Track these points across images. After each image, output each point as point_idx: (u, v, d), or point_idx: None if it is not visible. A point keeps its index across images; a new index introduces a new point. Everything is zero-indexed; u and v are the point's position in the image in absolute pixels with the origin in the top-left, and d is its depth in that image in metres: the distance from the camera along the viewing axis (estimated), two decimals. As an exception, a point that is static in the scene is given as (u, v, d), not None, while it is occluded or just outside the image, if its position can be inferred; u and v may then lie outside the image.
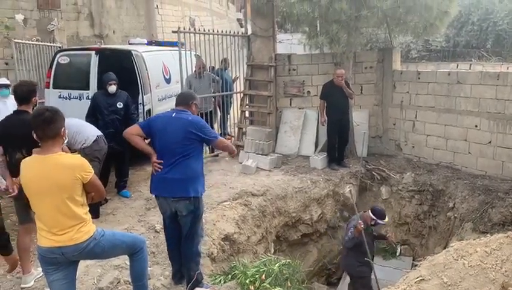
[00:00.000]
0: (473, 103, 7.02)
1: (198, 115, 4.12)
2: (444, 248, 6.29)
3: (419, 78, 7.77)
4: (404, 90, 7.99)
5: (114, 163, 6.13)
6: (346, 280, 6.23)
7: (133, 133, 3.85)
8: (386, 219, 5.65)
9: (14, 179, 3.78)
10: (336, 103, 7.37)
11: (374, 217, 5.50)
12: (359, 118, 8.23)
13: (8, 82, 6.26)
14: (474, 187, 6.63)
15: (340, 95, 7.30)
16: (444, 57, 13.54)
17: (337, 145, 7.62)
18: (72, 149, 4.72)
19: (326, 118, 7.50)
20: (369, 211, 5.63)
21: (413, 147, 7.97)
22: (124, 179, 6.29)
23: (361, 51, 8.39)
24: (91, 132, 5.33)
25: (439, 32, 8.88)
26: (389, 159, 8.10)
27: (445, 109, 7.40)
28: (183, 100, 3.92)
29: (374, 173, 7.70)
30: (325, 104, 7.51)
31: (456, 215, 6.58)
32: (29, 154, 3.64)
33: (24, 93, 3.92)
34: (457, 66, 11.12)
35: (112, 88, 5.93)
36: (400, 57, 8.88)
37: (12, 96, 6.43)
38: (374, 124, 8.43)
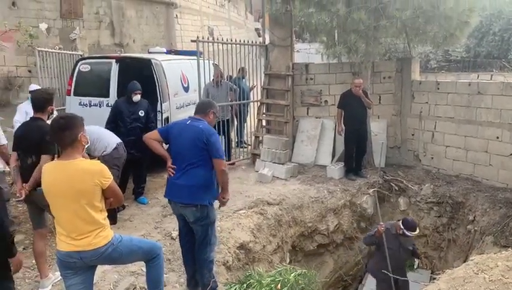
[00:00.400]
0: (494, 114, 6.89)
1: (215, 123, 4.15)
2: (464, 261, 6.16)
3: (438, 89, 7.68)
4: (423, 100, 7.91)
5: (132, 170, 6.19)
6: (366, 284, 6.19)
7: (152, 137, 3.99)
8: (415, 232, 5.57)
9: (24, 184, 3.87)
10: (354, 112, 7.32)
11: (402, 227, 5.48)
12: (377, 128, 8.17)
13: (39, 88, 6.49)
14: (495, 200, 6.49)
15: (358, 104, 7.25)
16: (464, 68, 13.39)
17: (354, 155, 7.56)
18: (91, 156, 4.79)
19: (344, 127, 7.46)
20: (401, 220, 5.66)
21: (432, 158, 7.86)
22: (142, 185, 6.36)
23: (379, 60, 8.35)
24: (111, 139, 5.41)
25: (459, 42, 8.80)
26: (407, 170, 8.00)
27: (465, 119, 7.29)
28: (201, 109, 3.97)
29: (392, 183, 7.61)
30: (343, 114, 7.47)
31: (476, 228, 6.44)
32: (39, 160, 3.74)
33: (40, 101, 4.02)
34: (478, 76, 10.97)
35: (137, 97, 6.04)
36: (419, 67, 8.80)
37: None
38: (392, 134, 8.35)
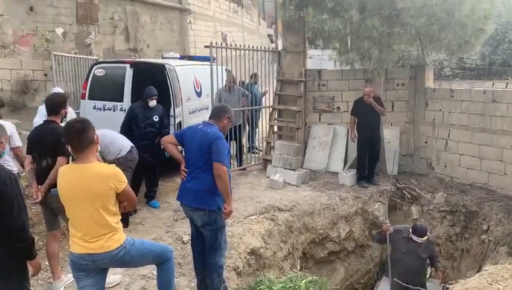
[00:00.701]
0: (510, 123, 6.80)
1: (228, 128, 4.14)
2: (477, 271, 6.06)
3: (452, 96, 7.61)
4: (436, 108, 7.84)
5: (145, 174, 6.23)
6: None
7: (168, 141, 4.06)
8: (423, 238, 5.50)
9: (39, 186, 3.92)
10: (366, 119, 7.28)
11: (410, 231, 5.48)
12: (390, 135, 8.12)
13: (62, 91, 6.58)
14: (510, 210, 6.39)
15: (371, 112, 7.21)
16: (478, 75, 13.26)
17: (367, 162, 7.52)
18: (105, 160, 4.84)
19: (357, 134, 7.43)
20: (412, 224, 5.70)
21: (446, 166, 7.77)
22: (154, 189, 6.40)
23: (392, 67, 8.31)
24: (125, 143, 5.47)
25: (474, 50, 8.73)
26: (420, 178, 7.93)
27: (479, 128, 7.21)
28: (215, 113, 3.98)
29: (404, 191, 7.54)
30: (356, 121, 7.44)
31: (490, 238, 6.34)
32: (54, 162, 3.78)
33: (54, 105, 4.07)
34: (493, 84, 10.85)
35: (153, 103, 6.09)
36: (433, 74, 8.74)
37: (71, 110, 6.85)
38: (405, 142, 8.28)
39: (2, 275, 2.84)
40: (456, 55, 10.41)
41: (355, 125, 7.45)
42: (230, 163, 6.01)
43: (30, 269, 3.03)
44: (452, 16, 6.90)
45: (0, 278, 2.85)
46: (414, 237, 5.45)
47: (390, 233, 5.60)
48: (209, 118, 4.00)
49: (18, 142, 4.72)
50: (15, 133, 4.71)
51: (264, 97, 9.47)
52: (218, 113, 3.96)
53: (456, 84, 10.58)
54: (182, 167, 3.90)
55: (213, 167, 3.65)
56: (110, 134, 5.41)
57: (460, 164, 7.55)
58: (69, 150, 2.84)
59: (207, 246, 3.92)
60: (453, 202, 7.11)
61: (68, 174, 2.86)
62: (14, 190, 2.77)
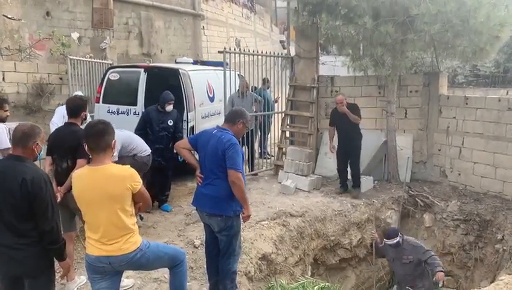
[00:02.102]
0: (525, 131, 6.73)
1: (243, 133, 4.12)
2: (491, 282, 5.98)
3: (466, 104, 7.54)
4: (450, 115, 7.77)
5: (158, 178, 6.26)
6: None
7: (181, 146, 4.06)
8: (392, 240, 5.72)
9: (58, 187, 3.96)
10: (341, 129, 7.12)
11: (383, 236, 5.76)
12: (403, 142, 8.06)
13: (82, 95, 6.68)
14: (526, 219, 6.30)
15: (345, 121, 6.97)
16: (492, 83, 13.12)
17: (350, 171, 7.30)
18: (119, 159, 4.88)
19: (335, 145, 7.25)
20: None
21: (459, 174, 7.69)
22: (166, 193, 6.42)
23: (406, 74, 8.26)
24: (145, 146, 5.55)
25: (489, 57, 8.63)
26: (433, 186, 7.84)
27: (494, 136, 7.12)
28: (230, 118, 3.95)
29: (417, 199, 7.47)
30: (335, 131, 7.27)
31: (505, 247, 6.25)
32: (74, 164, 3.83)
33: (74, 107, 4.13)
34: (507, 92, 10.73)
35: (170, 107, 6.14)
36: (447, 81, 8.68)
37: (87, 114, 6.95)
38: (418, 149, 8.21)
39: (32, 275, 2.90)
40: (470, 63, 10.33)
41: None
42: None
43: (59, 270, 3.07)
44: (467, 22, 6.85)
45: (30, 277, 2.91)
46: (386, 241, 5.68)
47: (381, 245, 5.92)
48: (224, 122, 3.99)
49: (6, 143, 4.62)
50: (3, 134, 4.67)
51: (276, 103, 9.48)
52: (233, 117, 3.92)
53: (470, 92, 10.48)
54: (197, 173, 3.89)
55: (228, 173, 3.64)
56: (130, 134, 5.51)
57: (474, 172, 7.46)
58: (86, 150, 2.85)
59: (221, 251, 3.91)
60: (466, 210, 7.02)
61: (84, 177, 2.87)
62: (48, 192, 2.82)
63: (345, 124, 7.03)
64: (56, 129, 4.34)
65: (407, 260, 5.72)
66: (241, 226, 4.01)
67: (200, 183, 3.87)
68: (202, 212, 3.91)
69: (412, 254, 5.74)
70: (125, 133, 5.42)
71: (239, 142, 3.95)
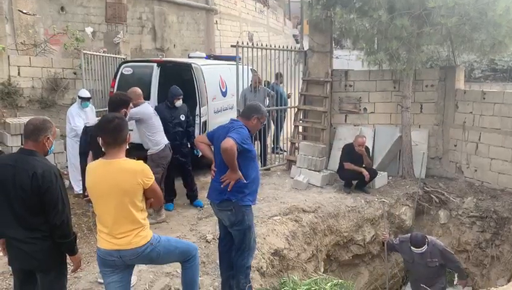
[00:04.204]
0: (545, 126, 6.56)
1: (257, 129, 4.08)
2: (508, 280, 5.87)
3: (484, 99, 7.38)
4: (467, 110, 7.62)
5: (178, 175, 6.24)
6: None
7: (200, 140, 4.13)
8: (420, 249, 5.39)
9: None
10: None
11: (409, 241, 5.50)
12: (418, 138, 7.94)
13: (89, 95, 6.73)
14: (544, 217, 6.15)
15: (358, 160, 7.02)
16: (510, 78, 12.83)
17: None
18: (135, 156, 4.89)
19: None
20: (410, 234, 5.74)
21: (476, 170, 7.54)
22: (194, 188, 6.34)
23: (422, 68, 8.12)
24: (163, 139, 5.57)
25: (507, 51, 8.43)
26: (448, 182, 7.72)
27: (512, 131, 6.97)
28: (244, 113, 3.91)
29: (432, 195, 7.35)
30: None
31: (522, 245, 6.13)
32: None
33: (114, 103, 4.24)
34: (526, 87, 10.49)
35: (179, 102, 6.10)
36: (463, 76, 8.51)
37: (93, 107, 7.03)
38: (433, 145, 8.08)
39: (44, 268, 2.91)
40: (488, 57, 10.09)
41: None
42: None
43: (71, 264, 3.09)
44: (485, 15, 6.69)
45: (42, 271, 2.92)
46: (413, 249, 5.42)
47: (397, 243, 5.76)
48: (239, 116, 3.97)
49: None
50: None
51: (288, 99, 9.41)
52: (247, 112, 3.86)
53: (487, 86, 10.27)
54: (212, 167, 3.88)
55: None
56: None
57: (491, 168, 7.31)
58: (100, 143, 2.84)
59: (235, 246, 3.89)
60: (483, 207, 6.89)
61: (97, 170, 2.88)
62: (59, 186, 2.82)
63: (357, 162, 7.03)
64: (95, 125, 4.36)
65: (432, 264, 5.51)
66: (251, 222, 3.94)
67: (213, 177, 3.86)
68: (215, 206, 3.90)
69: (437, 257, 5.55)
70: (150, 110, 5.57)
71: (251, 136, 3.91)
